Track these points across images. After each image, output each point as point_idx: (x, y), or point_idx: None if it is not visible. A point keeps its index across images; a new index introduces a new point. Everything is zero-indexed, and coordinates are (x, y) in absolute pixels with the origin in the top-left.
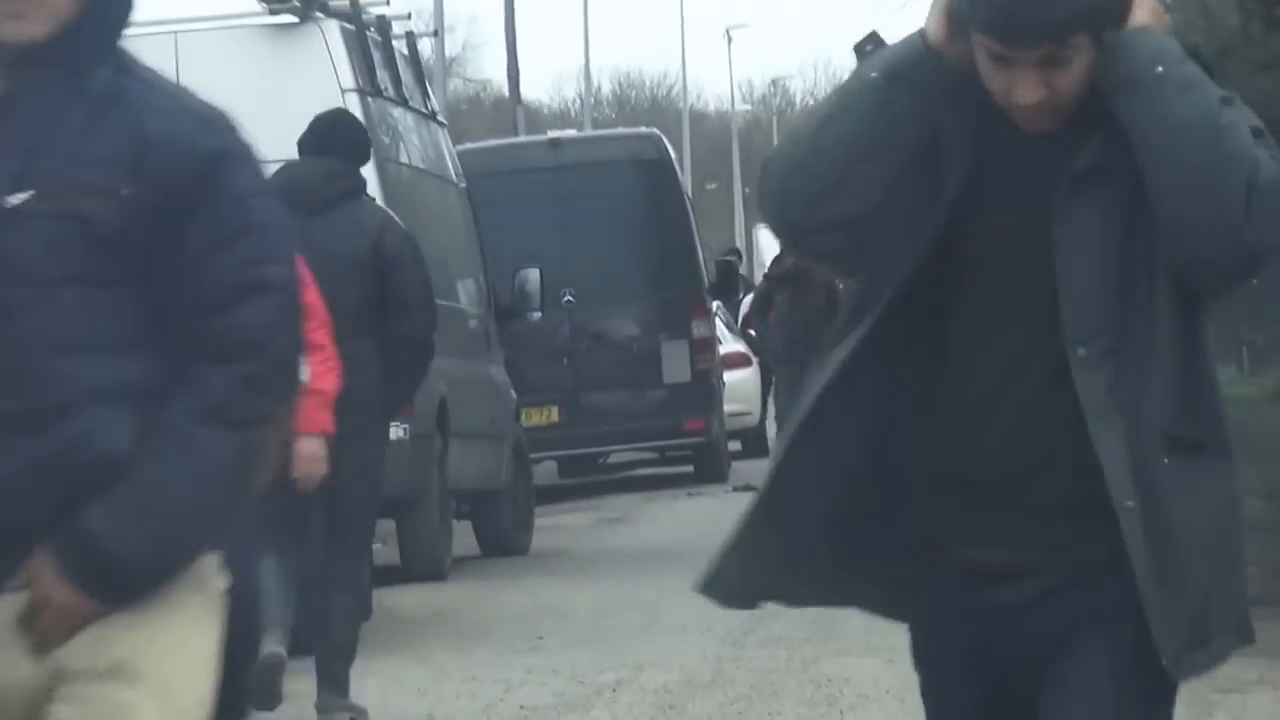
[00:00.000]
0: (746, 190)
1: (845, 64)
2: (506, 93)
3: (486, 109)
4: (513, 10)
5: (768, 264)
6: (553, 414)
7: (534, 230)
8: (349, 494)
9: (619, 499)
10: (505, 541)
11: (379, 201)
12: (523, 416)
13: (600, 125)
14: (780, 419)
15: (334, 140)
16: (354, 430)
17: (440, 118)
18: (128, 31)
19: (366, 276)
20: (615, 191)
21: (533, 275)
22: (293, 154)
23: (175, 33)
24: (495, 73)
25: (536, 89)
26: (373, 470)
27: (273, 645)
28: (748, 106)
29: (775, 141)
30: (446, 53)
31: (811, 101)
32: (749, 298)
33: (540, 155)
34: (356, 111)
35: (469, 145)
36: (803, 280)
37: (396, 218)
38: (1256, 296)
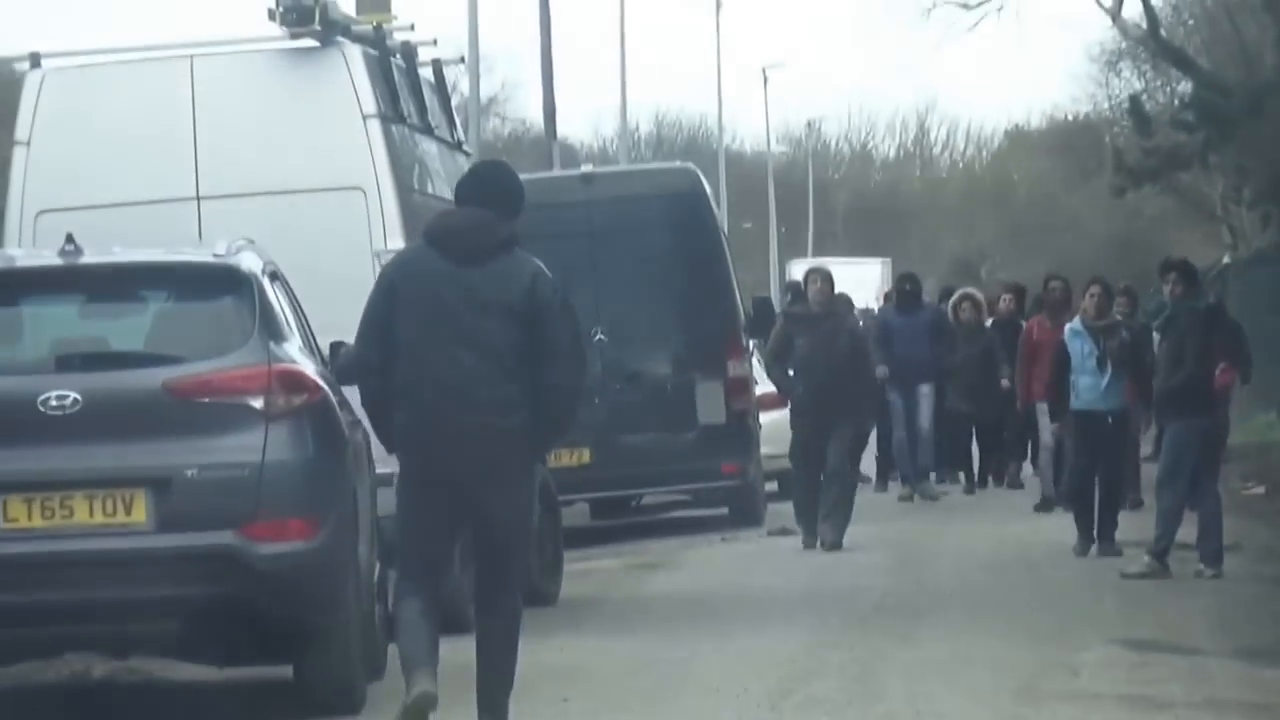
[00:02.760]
0: (783, 230)
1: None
2: (544, 132)
3: (525, 147)
4: (549, 46)
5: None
6: (584, 455)
7: (565, 266)
8: (501, 528)
9: (652, 543)
10: (533, 591)
11: (398, 230)
12: (552, 458)
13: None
14: (798, 482)
15: (490, 192)
16: (505, 469)
17: (466, 147)
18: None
19: (517, 324)
20: (649, 226)
21: None
22: (313, 181)
23: (190, 56)
24: (534, 111)
25: (574, 127)
26: (523, 506)
27: (424, 684)
28: (784, 147)
29: (810, 182)
30: (486, 91)
31: (846, 143)
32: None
33: (572, 189)
34: (377, 138)
35: None
36: (825, 321)
37: (545, 268)
38: None
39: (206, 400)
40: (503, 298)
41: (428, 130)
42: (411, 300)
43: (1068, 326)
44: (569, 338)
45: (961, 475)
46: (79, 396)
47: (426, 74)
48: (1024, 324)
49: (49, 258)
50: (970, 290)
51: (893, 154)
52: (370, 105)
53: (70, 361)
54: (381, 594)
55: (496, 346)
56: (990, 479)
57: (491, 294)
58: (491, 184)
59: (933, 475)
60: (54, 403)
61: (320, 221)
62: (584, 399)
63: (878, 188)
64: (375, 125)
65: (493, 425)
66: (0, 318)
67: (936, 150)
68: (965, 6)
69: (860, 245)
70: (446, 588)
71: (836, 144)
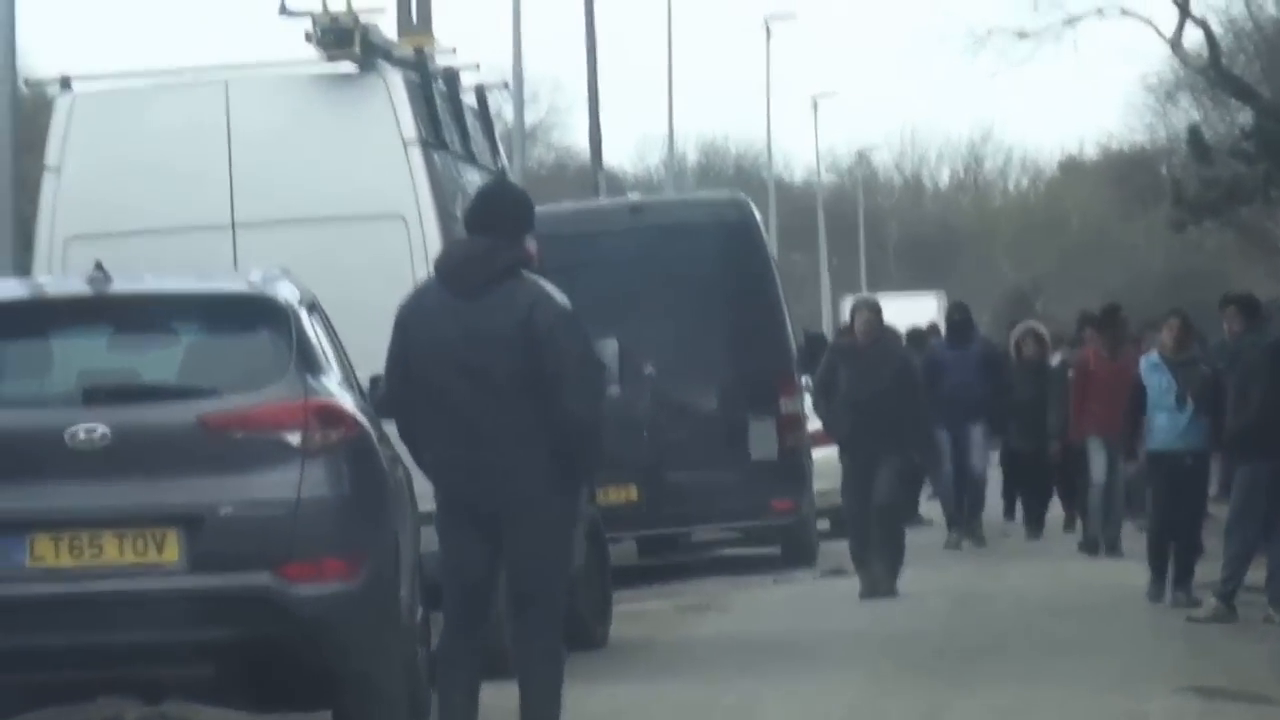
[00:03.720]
0: (834, 261)
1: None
2: (589, 160)
3: (570, 175)
4: (595, 73)
5: None
6: (632, 492)
7: (612, 298)
8: (532, 568)
9: (702, 583)
10: (580, 632)
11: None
12: (600, 494)
13: (684, 193)
14: (850, 524)
15: (493, 215)
16: (529, 506)
17: (511, 175)
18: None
19: (519, 355)
20: (698, 257)
21: (611, 346)
22: (353, 209)
23: (226, 81)
24: (579, 139)
25: (619, 156)
26: (555, 545)
27: None
28: (833, 177)
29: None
30: (530, 119)
31: (897, 173)
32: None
33: (620, 218)
34: (419, 165)
35: (546, 207)
36: (871, 353)
37: (553, 292)
38: None
39: (241, 435)
40: (501, 328)
41: (470, 157)
42: (420, 338)
43: (1144, 360)
44: (575, 362)
45: (1023, 518)
46: (108, 430)
47: (469, 100)
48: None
49: (77, 286)
50: (1034, 324)
51: (945, 184)
52: (411, 131)
53: (99, 394)
54: (425, 636)
55: (497, 379)
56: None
57: (490, 326)
58: (494, 207)
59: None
60: (82, 437)
61: (360, 250)
62: (603, 426)
63: (930, 218)
64: (416, 152)
65: (506, 461)
66: (27, 348)
67: (990, 180)
68: (1021, 35)
69: (912, 277)
70: (488, 630)
71: (887, 173)
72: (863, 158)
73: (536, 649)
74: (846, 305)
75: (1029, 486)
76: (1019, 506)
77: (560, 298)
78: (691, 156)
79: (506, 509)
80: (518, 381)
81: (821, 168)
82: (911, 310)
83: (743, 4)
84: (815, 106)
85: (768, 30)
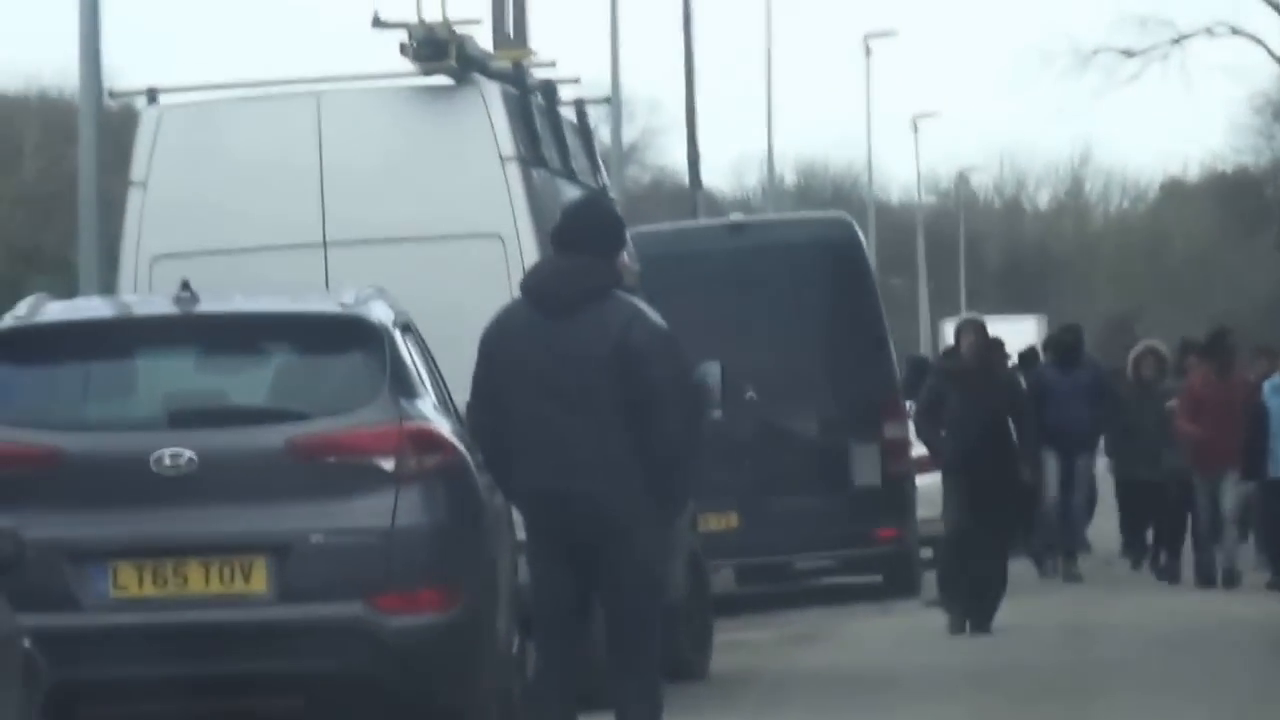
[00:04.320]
0: (932, 285)
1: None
2: (685, 180)
3: (665, 196)
4: (693, 92)
5: None
6: (732, 519)
7: (712, 320)
8: (626, 600)
9: (804, 613)
10: (680, 664)
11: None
12: (699, 521)
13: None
14: (949, 543)
15: (584, 234)
16: (623, 536)
17: (611, 193)
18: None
19: (614, 376)
20: (800, 278)
21: (714, 370)
22: (448, 227)
23: (318, 94)
24: (675, 160)
25: (716, 177)
26: (650, 575)
27: None
28: (931, 198)
29: (962, 235)
30: (626, 138)
31: (996, 195)
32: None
33: (721, 238)
34: (516, 182)
35: (644, 227)
36: (981, 376)
37: (648, 311)
38: None
39: (333, 460)
40: (594, 349)
41: (570, 174)
42: (506, 360)
43: (1268, 384)
44: (671, 383)
45: (1133, 549)
46: (195, 455)
47: (568, 114)
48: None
49: (163, 305)
50: (1154, 343)
51: (1044, 206)
52: (509, 147)
53: (186, 418)
54: (520, 668)
55: (592, 403)
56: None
57: (582, 346)
58: (584, 223)
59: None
60: (168, 462)
61: (456, 270)
62: (704, 451)
63: (1029, 241)
64: (514, 168)
65: (598, 489)
66: (111, 370)
67: (1090, 202)
68: (1127, 54)
69: (1011, 300)
70: (583, 662)
71: (986, 195)
72: (963, 179)
73: (633, 683)
74: (946, 329)
75: (1156, 519)
76: (1137, 538)
77: (656, 317)
78: (789, 178)
79: (599, 539)
80: (610, 405)
81: (921, 189)
82: (1011, 333)
83: (842, 22)
84: (915, 127)
85: (868, 49)
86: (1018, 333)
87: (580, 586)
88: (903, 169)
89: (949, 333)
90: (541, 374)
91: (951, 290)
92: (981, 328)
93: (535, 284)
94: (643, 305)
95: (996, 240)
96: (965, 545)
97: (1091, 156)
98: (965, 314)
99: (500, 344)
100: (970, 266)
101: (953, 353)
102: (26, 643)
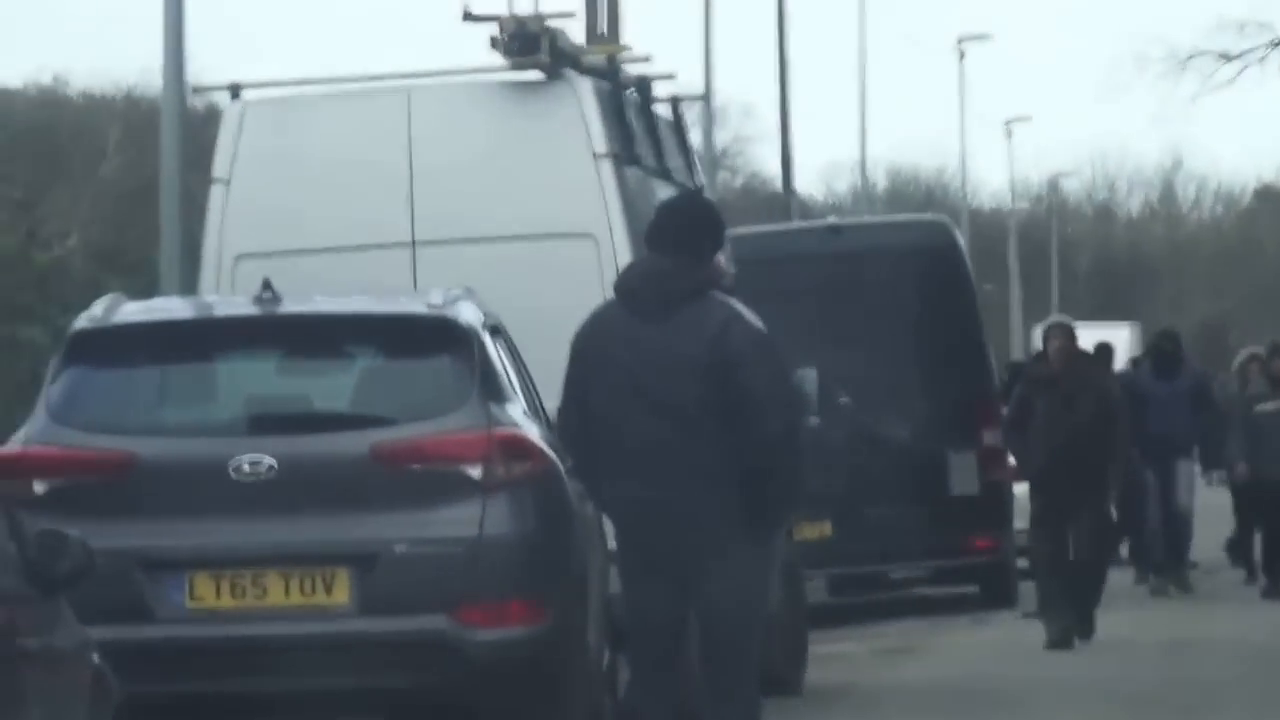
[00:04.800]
0: (1023, 291)
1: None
2: (778, 186)
3: (756, 203)
4: (786, 96)
5: None
6: (826, 528)
7: (807, 323)
8: (723, 616)
9: (898, 624)
10: (774, 678)
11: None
12: (793, 531)
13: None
14: (1037, 568)
15: (681, 232)
16: (719, 548)
17: (706, 193)
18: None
19: (709, 381)
20: (899, 282)
21: (810, 376)
22: (539, 226)
23: (408, 89)
24: (766, 165)
25: (807, 183)
26: (748, 590)
27: None
28: (1025, 204)
29: (1054, 241)
30: (718, 143)
31: (1088, 200)
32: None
33: (818, 241)
34: (610, 180)
35: (741, 230)
36: (1071, 383)
37: (746, 312)
38: None
39: (418, 468)
40: (689, 352)
41: (664, 173)
42: (597, 364)
43: None
44: (770, 388)
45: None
46: (275, 462)
47: (663, 112)
48: None
49: (243, 306)
50: (1259, 350)
51: (1136, 211)
52: (602, 144)
53: (266, 423)
54: (611, 683)
55: (685, 409)
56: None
57: (677, 349)
58: (681, 222)
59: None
60: (247, 469)
61: (546, 270)
62: (801, 460)
63: (1120, 246)
64: (607, 166)
65: (694, 500)
66: (189, 374)
67: (1183, 208)
68: (1224, 57)
69: (1102, 307)
70: (679, 679)
71: (1077, 200)
72: (1055, 184)
73: (730, 705)
74: (1038, 335)
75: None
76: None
77: (754, 319)
78: (880, 183)
79: (695, 552)
80: (706, 411)
81: (1013, 194)
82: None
83: (936, 25)
84: (1009, 131)
85: (961, 52)
86: (1112, 340)
87: (676, 601)
88: (993, 173)
89: (1039, 338)
90: (634, 378)
91: (1042, 296)
92: (1070, 331)
93: (628, 284)
94: (740, 307)
95: (1087, 246)
96: (1056, 558)
97: (1184, 162)
98: (1053, 317)
99: (592, 346)
100: (1062, 272)
101: (1041, 357)
102: (96, 658)
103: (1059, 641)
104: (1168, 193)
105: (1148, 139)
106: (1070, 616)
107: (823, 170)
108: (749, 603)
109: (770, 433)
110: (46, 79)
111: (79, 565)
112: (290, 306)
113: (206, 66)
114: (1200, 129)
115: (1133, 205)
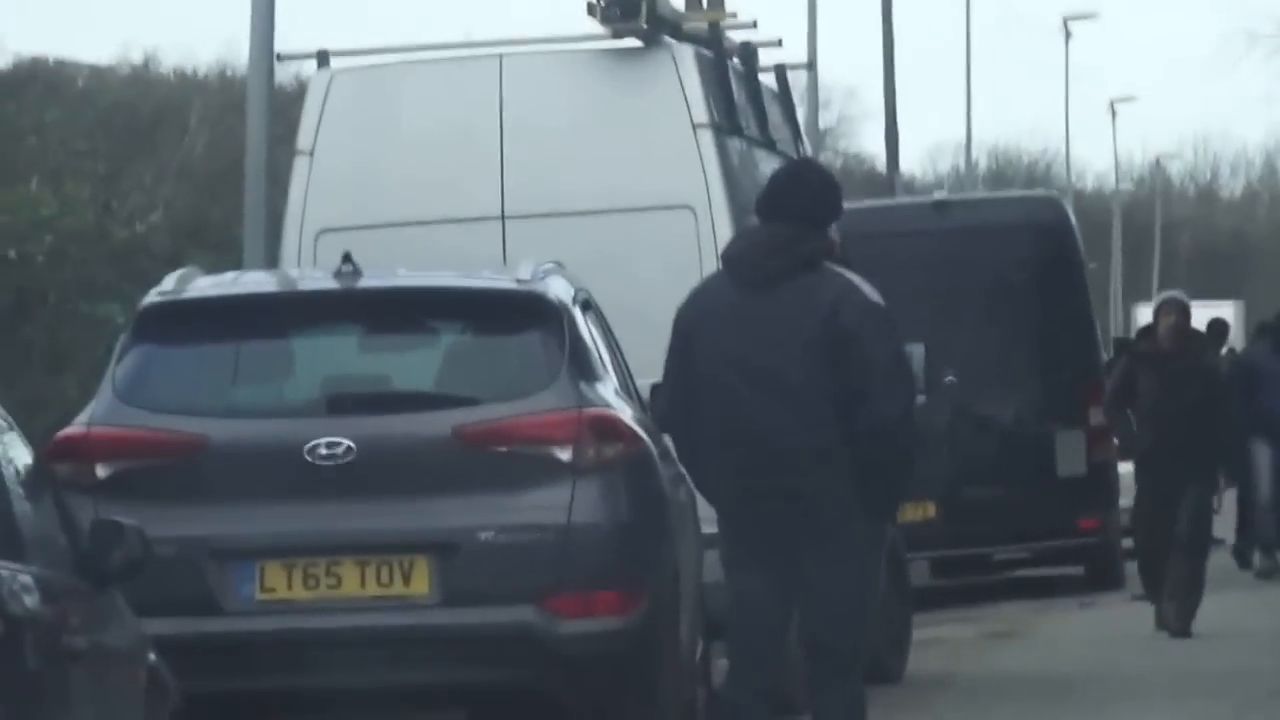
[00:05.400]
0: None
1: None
2: (879, 167)
3: (859, 182)
4: (892, 70)
5: None
6: (929, 509)
7: (913, 300)
8: (830, 606)
9: (1003, 608)
10: (876, 665)
11: None
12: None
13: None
14: (1140, 549)
15: (792, 200)
16: (828, 536)
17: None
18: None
19: (821, 357)
20: (1007, 259)
21: (917, 352)
22: (636, 199)
23: (500, 55)
24: (870, 146)
25: (910, 163)
26: (858, 580)
27: None
28: (1129, 185)
29: (1158, 221)
30: (822, 124)
31: (1190, 181)
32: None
33: (924, 217)
34: (710, 151)
35: (846, 204)
36: (1177, 361)
37: (862, 284)
38: None
39: (504, 450)
40: (800, 326)
41: (768, 144)
42: (703, 340)
43: None
44: (887, 364)
45: None
46: (353, 444)
47: (768, 80)
48: None
49: (322, 280)
50: None
51: (1239, 193)
52: (702, 114)
53: (344, 403)
54: (705, 676)
55: (795, 387)
56: None
57: (787, 324)
58: (795, 189)
59: None
60: (324, 451)
61: (643, 244)
62: (917, 441)
63: (1223, 228)
64: (708, 136)
65: (803, 484)
66: (263, 351)
67: None
68: None
69: (1204, 288)
70: (779, 672)
71: (1180, 184)
72: (1160, 165)
73: (835, 698)
74: (1140, 313)
75: None
76: None
77: (872, 292)
78: (982, 163)
79: (803, 539)
80: (817, 388)
81: (1117, 175)
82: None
83: (1042, 4)
84: (1113, 112)
85: (1067, 31)
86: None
87: (782, 591)
88: (1097, 154)
89: (1142, 318)
90: (741, 355)
91: (1144, 276)
92: (1185, 308)
93: (736, 254)
94: (856, 279)
95: (1190, 226)
96: (1158, 540)
97: None
98: (1168, 292)
99: (696, 322)
100: (1164, 252)
101: (1147, 333)
102: (153, 656)
103: (1165, 625)
104: (1270, 173)
105: (1251, 119)
106: (1179, 597)
107: (927, 151)
108: (861, 589)
109: (888, 410)
110: (137, 57)
111: (134, 558)
112: (371, 280)
113: (295, 38)
114: None
115: (1235, 186)
